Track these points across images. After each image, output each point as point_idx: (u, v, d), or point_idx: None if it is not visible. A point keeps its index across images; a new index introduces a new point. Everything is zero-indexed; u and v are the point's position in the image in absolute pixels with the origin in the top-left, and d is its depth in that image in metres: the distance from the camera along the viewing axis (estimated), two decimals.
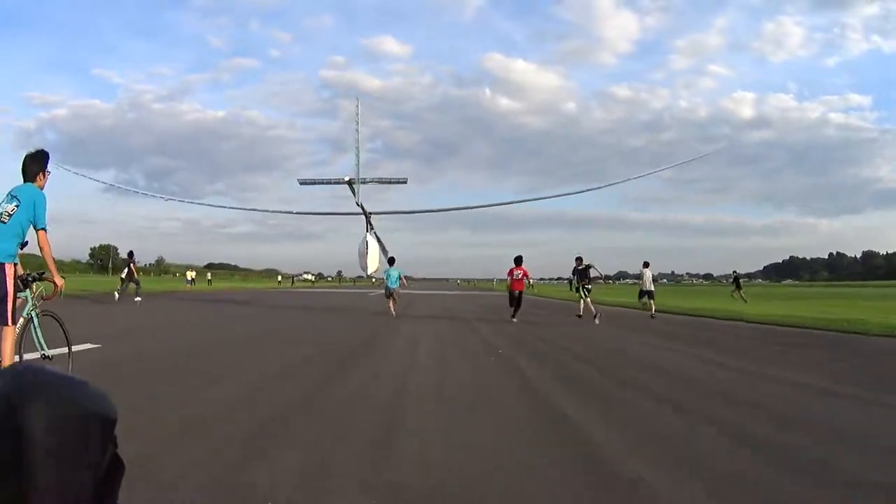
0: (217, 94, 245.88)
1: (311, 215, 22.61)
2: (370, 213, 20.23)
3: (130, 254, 18.46)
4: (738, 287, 24.69)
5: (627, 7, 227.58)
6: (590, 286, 13.63)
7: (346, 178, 18.93)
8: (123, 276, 17.86)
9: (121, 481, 0.47)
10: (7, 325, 3.67)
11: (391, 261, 15.13)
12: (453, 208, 28.23)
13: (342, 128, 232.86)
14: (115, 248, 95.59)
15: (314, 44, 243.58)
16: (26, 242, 3.88)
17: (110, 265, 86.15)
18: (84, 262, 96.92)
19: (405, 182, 22.07)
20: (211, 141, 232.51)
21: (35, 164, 3.95)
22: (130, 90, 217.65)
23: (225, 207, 49.14)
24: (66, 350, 4.45)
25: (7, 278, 3.67)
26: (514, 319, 11.81)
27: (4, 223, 3.73)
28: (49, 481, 0.41)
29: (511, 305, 12.07)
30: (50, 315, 4.31)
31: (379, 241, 21.78)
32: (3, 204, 3.80)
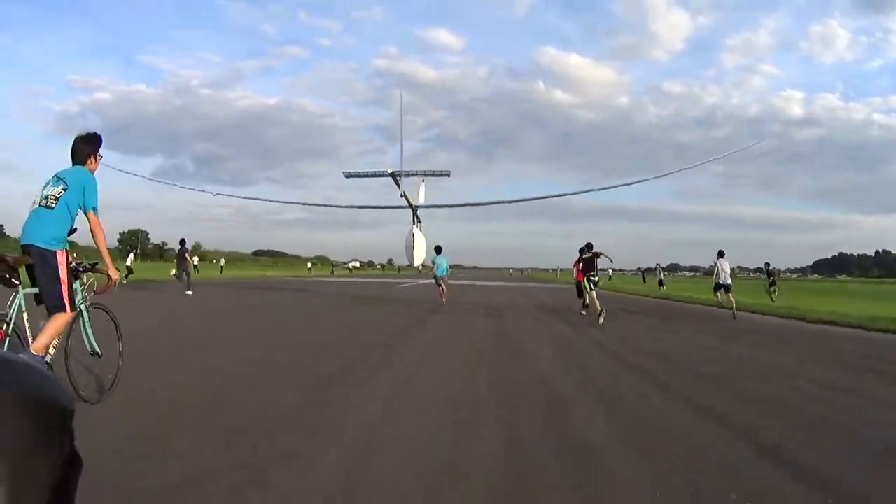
0: (268, 81, 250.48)
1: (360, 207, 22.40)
2: (417, 206, 19.96)
3: (182, 241, 17.13)
4: (773, 283, 20.74)
5: (680, 5, 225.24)
6: (597, 278, 11.67)
7: (390, 171, 18.68)
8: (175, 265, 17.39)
9: (78, 477, 0.43)
10: (64, 311, 3.42)
11: (438, 249, 15.09)
12: (496, 202, 27.62)
13: (394, 117, 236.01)
14: (146, 233, 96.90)
15: (365, 34, 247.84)
16: (76, 229, 3.58)
17: (138, 251, 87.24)
18: (113, 247, 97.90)
19: (448, 175, 21.67)
20: (262, 127, 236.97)
21: (87, 146, 3.70)
22: (177, 76, 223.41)
23: (262, 200, 48.87)
24: (117, 347, 4.03)
25: (59, 265, 3.40)
26: (584, 313, 11.64)
27: (52, 207, 3.44)
28: (5, 480, 0.37)
29: (580, 297, 12.26)
30: (101, 309, 4.00)
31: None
32: (48, 187, 3.52)
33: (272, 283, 27.02)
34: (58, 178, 3.53)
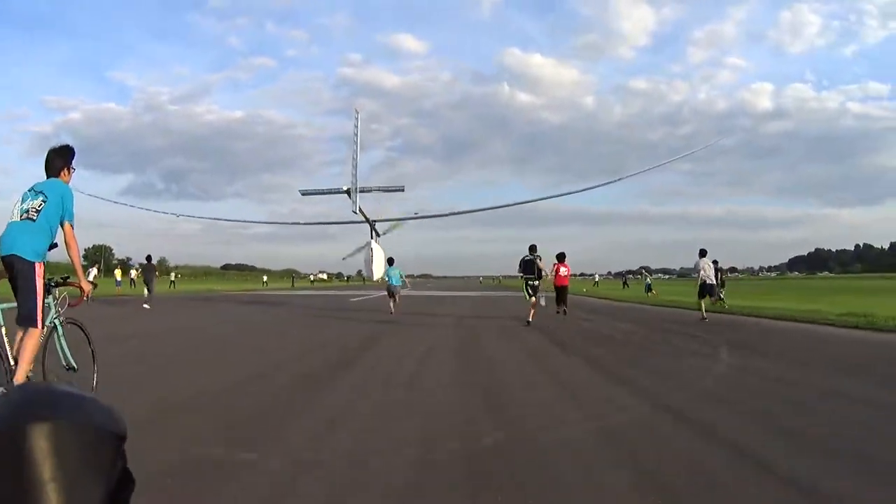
0: (235, 94, 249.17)
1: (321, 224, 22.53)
2: (374, 221, 20.39)
3: (149, 258, 18.23)
4: (722, 283, 16.71)
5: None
6: (537, 282, 11.20)
7: (345, 188, 19.18)
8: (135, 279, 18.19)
9: (130, 496, 0.46)
10: (35, 326, 3.50)
11: (390, 261, 15.85)
12: (460, 212, 28.00)
13: (359, 127, 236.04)
14: (110, 249, 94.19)
15: (330, 42, 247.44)
16: (56, 244, 3.69)
17: (101, 266, 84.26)
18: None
19: (402, 190, 22.29)
20: (229, 141, 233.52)
21: (59, 159, 3.80)
22: (146, 92, 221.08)
23: (227, 221, 47.53)
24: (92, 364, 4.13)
25: (37, 277, 3.51)
26: (559, 313, 12.33)
27: (33, 220, 3.53)
28: (58, 498, 0.40)
29: (557, 302, 12.60)
30: (75, 324, 4.06)
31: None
32: (28, 200, 3.60)
33: (212, 297, 26.79)
34: (36, 192, 3.61)
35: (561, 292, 12.45)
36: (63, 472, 0.41)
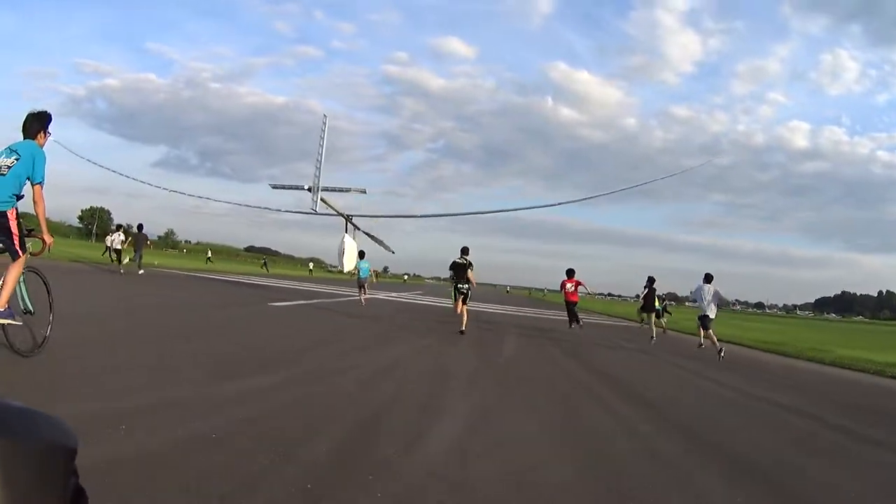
0: (279, 80, 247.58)
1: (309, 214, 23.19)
2: (350, 216, 21.57)
3: (140, 226, 19.22)
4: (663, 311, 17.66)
5: (691, 27, 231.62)
6: (465, 286, 10.76)
7: (307, 186, 20.24)
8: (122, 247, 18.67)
9: None
10: (17, 257, 4.07)
11: (361, 254, 17.26)
12: (445, 214, 28.21)
13: (401, 125, 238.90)
14: (108, 212, 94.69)
15: (378, 38, 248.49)
16: (22, 195, 4.15)
17: (95, 230, 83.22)
18: (74, 225, 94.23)
19: (364, 192, 22.93)
20: (269, 125, 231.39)
21: (37, 123, 4.24)
22: (188, 67, 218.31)
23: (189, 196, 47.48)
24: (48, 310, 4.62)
25: (10, 221, 4.04)
26: (573, 327, 12.97)
27: (3, 175, 4.00)
28: None
29: (568, 317, 13.17)
30: (34, 272, 4.55)
31: (371, 235, 23.11)
32: (2, 157, 4.07)
33: (191, 274, 24.94)
34: (10, 150, 4.11)
35: (570, 308, 13.04)
36: (13, 491, 0.39)
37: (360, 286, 16.06)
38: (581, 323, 13.16)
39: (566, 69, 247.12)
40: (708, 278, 11.29)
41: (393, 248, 27.20)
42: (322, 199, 20.30)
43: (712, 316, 11.15)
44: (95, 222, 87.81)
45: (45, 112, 4.32)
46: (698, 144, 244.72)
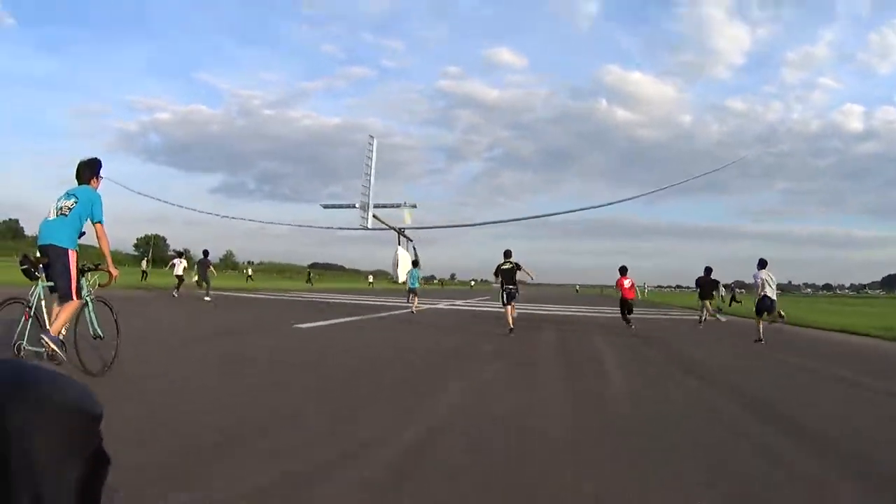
0: (332, 101, 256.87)
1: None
2: (402, 230, 22.11)
3: (205, 252, 19.41)
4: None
5: (739, 18, 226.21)
6: (514, 288, 11.22)
7: (357, 204, 20.88)
8: (194, 274, 19.07)
9: (105, 477, 0.48)
10: (72, 299, 4.45)
11: (414, 263, 18.37)
12: (497, 221, 28.33)
13: (458, 138, 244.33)
14: (164, 238, 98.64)
15: (428, 54, 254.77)
16: (84, 233, 4.61)
17: (149, 257, 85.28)
18: (129, 253, 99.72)
19: (414, 206, 23.33)
20: (325, 146, 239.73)
21: (88, 170, 4.72)
22: (238, 96, 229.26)
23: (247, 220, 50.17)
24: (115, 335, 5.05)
25: (70, 261, 4.44)
26: (632, 326, 12.87)
27: (66, 216, 4.48)
28: (31, 478, 0.41)
29: (622, 314, 13.43)
30: (103, 302, 5.01)
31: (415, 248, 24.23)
32: (62, 200, 4.56)
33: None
34: (69, 194, 4.59)
35: (624, 304, 13.36)
36: (38, 449, 0.41)
37: (411, 292, 16.83)
38: (632, 324, 12.90)
39: (619, 71, 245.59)
40: (762, 264, 10.94)
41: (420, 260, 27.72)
42: (374, 216, 20.92)
43: (773, 297, 10.74)
44: (150, 249, 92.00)
45: (96, 159, 4.78)
46: (754, 135, 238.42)
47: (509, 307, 11.05)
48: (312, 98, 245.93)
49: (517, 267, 11.17)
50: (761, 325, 10.82)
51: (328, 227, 27.08)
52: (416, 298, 16.74)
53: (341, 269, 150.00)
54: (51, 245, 4.40)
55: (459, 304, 24.42)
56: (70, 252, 4.43)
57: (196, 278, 18.79)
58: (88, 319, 4.76)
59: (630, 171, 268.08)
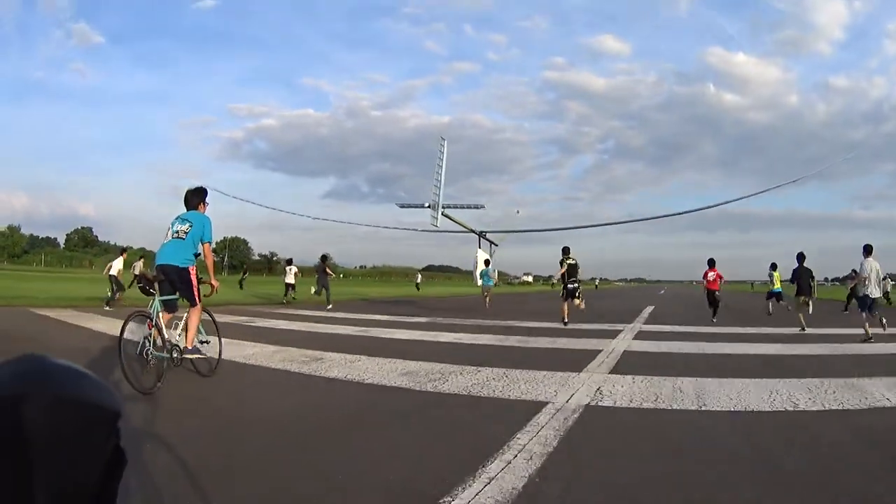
0: (439, 99, 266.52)
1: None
2: (483, 232, 22.46)
3: (323, 257, 17.94)
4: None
5: None
6: (576, 284, 12.15)
7: (427, 204, 21.61)
8: (315, 282, 17.56)
9: (122, 474, 0.49)
10: (196, 304, 5.29)
11: (486, 262, 19.24)
12: (580, 226, 28.12)
13: (569, 129, 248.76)
14: (246, 242, 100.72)
15: (532, 45, 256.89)
16: (199, 253, 5.39)
17: (225, 261, 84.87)
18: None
19: (482, 207, 23.69)
20: (436, 145, 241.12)
21: (195, 197, 5.50)
22: (344, 98, 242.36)
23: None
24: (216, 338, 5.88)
25: (191, 276, 5.28)
26: (715, 319, 13.19)
27: (183, 239, 5.25)
28: (49, 472, 0.43)
29: (709, 306, 13.87)
30: (205, 310, 5.75)
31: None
32: (177, 224, 5.33)
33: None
34: (183, 219, 5.36)
35: (710, 296, 13.95)
36: (53, 445, 0.42)
37: (485, 291, 17.93)
38: (715, 317, 13.34)
39: (722, 53, 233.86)
40: (868, 250, 9.59)
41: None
42: (445, 215, 21.48)
43: (877, 295, 9.43)
44: (226, 253, 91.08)
45: (202, 187, 5.59)
46: (861, 113, 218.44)
47: (567, 302, 11.78)
48: (420, 97, 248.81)
49: (577, 265, 12.19)
50: (867, 321, 9.34)
51: (395, 227, 28.06)
52: (490, 296, 17.90)
53: (457, 270, 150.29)
54: (172, 265, 5.17)
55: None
56: (191, 269, 5.25)
57: (314, 288, 17.15)
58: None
59: (741, 156, 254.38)
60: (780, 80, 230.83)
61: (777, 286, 15.21)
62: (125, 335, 4.76)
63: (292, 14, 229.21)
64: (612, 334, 9.84)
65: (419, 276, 46.81)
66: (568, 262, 12.07)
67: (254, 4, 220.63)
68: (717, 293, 13.89)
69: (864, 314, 9.46)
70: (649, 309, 18.48)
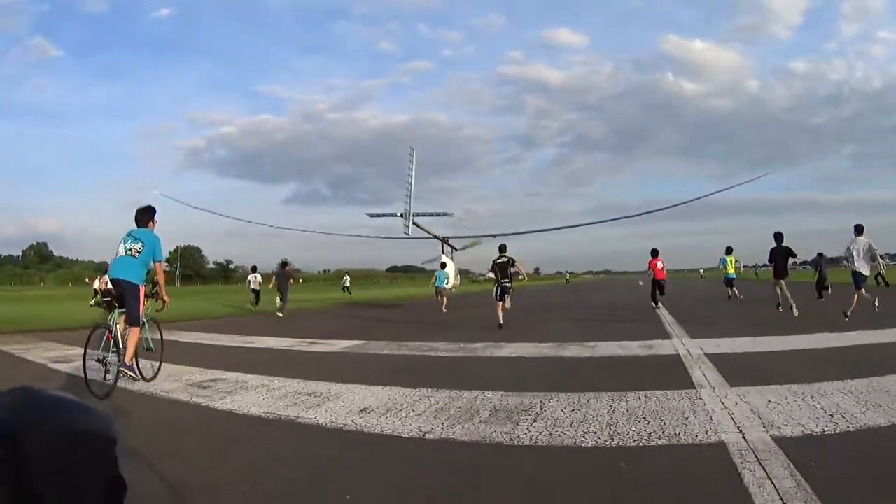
0: (398, 99, 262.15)
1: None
2: (445, 238, 24.37)
3: (283, 263, 17.76)
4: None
5: None
6: (509, 284, 11.66)
7: (399, 213, 23.12)
8: (271, 286, 17.42)
9: (122, 499, 0.49)
10: (137, 325, 5.83)
11: (442, 265, 19.65)
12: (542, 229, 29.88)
13: (528, 123, 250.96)
14: (199, 249, 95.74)
15: (487, 41, 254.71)
16: (150, 270, 5.98)
17: (177, 270, 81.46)
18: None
19: (452, 215, 25.15)
20: (396, 145, 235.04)
21: (145, 215, 6.02)
22: (301, 102, 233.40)
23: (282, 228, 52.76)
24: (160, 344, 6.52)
25: (140, 294, 5.86)
26: (658, 305, 14.51)
27: (135, 258, 5.83)
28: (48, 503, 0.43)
29: (655, 293, 15.04)
30: (153, 321, 6.48)
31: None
32: (129, 242, 5.85)
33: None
34: (135, 238, 5.80)
35: (658, 284, 15.19)
36: (50, 475, 0.43)
37: (438, 293, 18.78)
38: (657, 304, 14.58)
39: (678, 40, 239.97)
40: (859, 230, 10.06)
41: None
42: (415, 224, 22.90)
43: (866, 273, 10.08)
44: (178, 263, 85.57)
45: (151, 206, 6.04)
46: (822, 97, 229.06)
47: (501, 302, 11.36)
48: (377, 97, 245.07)
49: (511, 262, 11.61)
50: (857, 298, 9.81)
51: (368, 236, 28.06)
52: (445, 297, 18.49)
53: (422, 271, 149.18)
54: (125, 280, 5.71)
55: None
56: (140, 287, 5.80)
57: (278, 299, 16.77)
58: (144, 335, 6.08)
59: (703, 142, 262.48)
60: (738, 66, 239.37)
61: (730, 271, 15.86)
62: (88, 347, 5.39)
63: (244, 22, 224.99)
64: (661, 334, 8.76)
65: (347, 278, 37.90)
66: (498, 261, 11.55)
67: (205, 13, 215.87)
68: (663, 281, 15.26)
69: (859, 292, 9.86)
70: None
